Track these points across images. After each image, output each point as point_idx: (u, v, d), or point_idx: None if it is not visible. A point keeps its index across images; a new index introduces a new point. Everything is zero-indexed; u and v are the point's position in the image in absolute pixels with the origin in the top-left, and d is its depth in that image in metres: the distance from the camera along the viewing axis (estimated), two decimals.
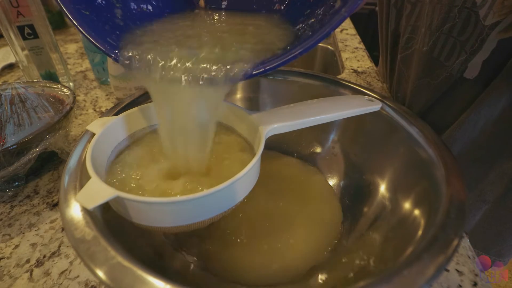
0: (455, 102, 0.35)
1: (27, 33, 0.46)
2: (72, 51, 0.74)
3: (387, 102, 0.31)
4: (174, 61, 0.19)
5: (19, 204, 0.32)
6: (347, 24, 1.01)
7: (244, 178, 0.20)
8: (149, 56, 0.20)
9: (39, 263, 0.26)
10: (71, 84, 0.55)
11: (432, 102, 0.37)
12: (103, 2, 0.24)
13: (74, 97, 0.39)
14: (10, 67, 0.64)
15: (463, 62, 0.32)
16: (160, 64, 0.20)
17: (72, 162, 0.23)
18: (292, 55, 0.18)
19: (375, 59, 0.73)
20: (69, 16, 0.21)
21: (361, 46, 0.79)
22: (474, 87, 0.32)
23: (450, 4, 0.30)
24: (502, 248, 0.43)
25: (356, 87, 0.35)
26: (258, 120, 0.25)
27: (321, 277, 0.26)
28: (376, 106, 0.31)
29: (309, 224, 0.31)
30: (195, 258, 0.28)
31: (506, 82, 0.30)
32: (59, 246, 0.27)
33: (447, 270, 0.26)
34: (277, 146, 0.40)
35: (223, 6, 0.29)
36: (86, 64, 0.66)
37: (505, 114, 0.31)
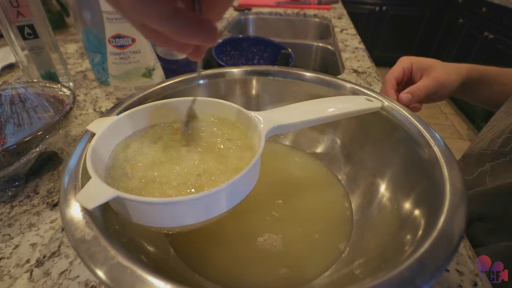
0: None
1: (27, 33, 0.46)
2: (72, 51, 0.74)
3: (387, 102, 0.31)
4: None
5: (19, 204, 0.32)
6: (347, 24, 1.01)
7: (244, 179, 0.20)
8: None
9: (39, 263, 0.26)
10: (71, 84, 0.55)
11: None
12: None
13: (74, 97, 0.39)
14: (10, 67, 0.64)
15: None
16: None
17: (72, 162, 0.23)
18: None
19: (375, 59, 0.73)
20: None
21: (361, 46, 0.79)
22: None
23: None
24: None
25: (356, 87, 0.35)
26: (258, 120, 0.25)
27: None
28: (376, 106, 0.31)
29: (320, 220, 0.31)
30: (193, 259, 0.28)
31: None
32: (59, 246, 0.27)
33: (447, 270, 0.26)
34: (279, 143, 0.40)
35: None
36: (86, 64, 0.66)
37: None
